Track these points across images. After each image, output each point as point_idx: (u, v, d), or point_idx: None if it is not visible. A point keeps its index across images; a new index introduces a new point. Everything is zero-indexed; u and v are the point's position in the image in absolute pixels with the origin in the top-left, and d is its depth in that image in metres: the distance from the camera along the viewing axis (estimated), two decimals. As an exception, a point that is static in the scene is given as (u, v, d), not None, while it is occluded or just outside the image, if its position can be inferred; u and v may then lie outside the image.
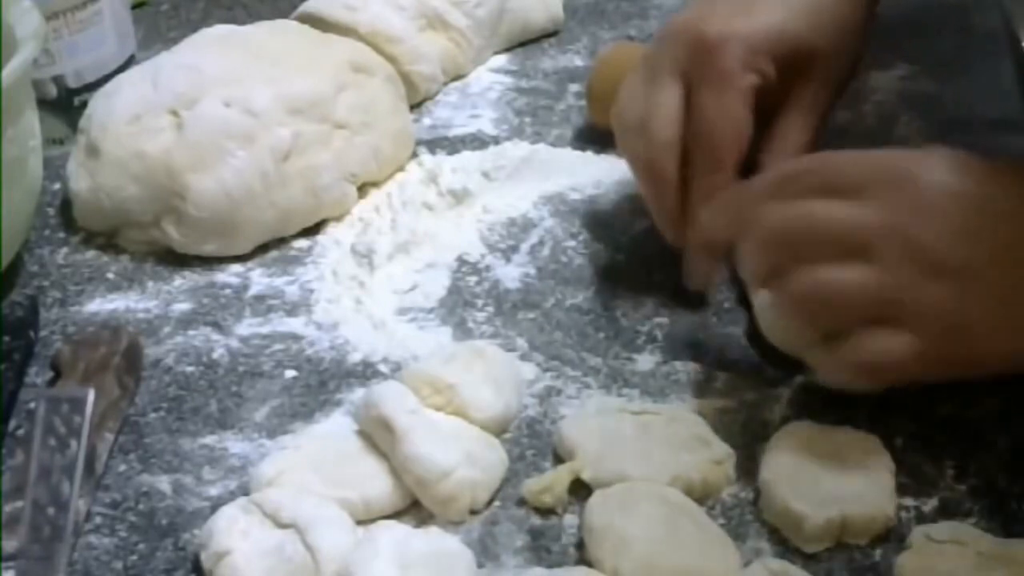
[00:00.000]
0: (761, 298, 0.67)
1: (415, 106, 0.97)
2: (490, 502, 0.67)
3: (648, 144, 0.76)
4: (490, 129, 0.95)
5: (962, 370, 0.65)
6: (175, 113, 0.84)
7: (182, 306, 0.81)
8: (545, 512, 0.66)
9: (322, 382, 0.75)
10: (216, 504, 0.67)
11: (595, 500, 0.64)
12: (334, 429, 0.71)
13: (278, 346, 0.78)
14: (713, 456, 0.67)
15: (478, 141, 0.93)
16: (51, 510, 0.65)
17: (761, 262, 0.67)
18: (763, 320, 0.68)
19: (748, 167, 0.76)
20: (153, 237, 0.85)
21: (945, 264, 0.62)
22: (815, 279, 0.65)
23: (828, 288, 0.64)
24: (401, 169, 0.91)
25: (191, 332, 0.79)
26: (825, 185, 0.66)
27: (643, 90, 0.77)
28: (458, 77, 1.00)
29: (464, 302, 0.80)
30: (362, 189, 0.88)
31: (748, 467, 0.68)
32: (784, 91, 0.78)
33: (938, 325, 0.63)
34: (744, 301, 0.73)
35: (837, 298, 0.64)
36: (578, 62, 1.02)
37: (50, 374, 0.76)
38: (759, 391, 0.72)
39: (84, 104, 0.90)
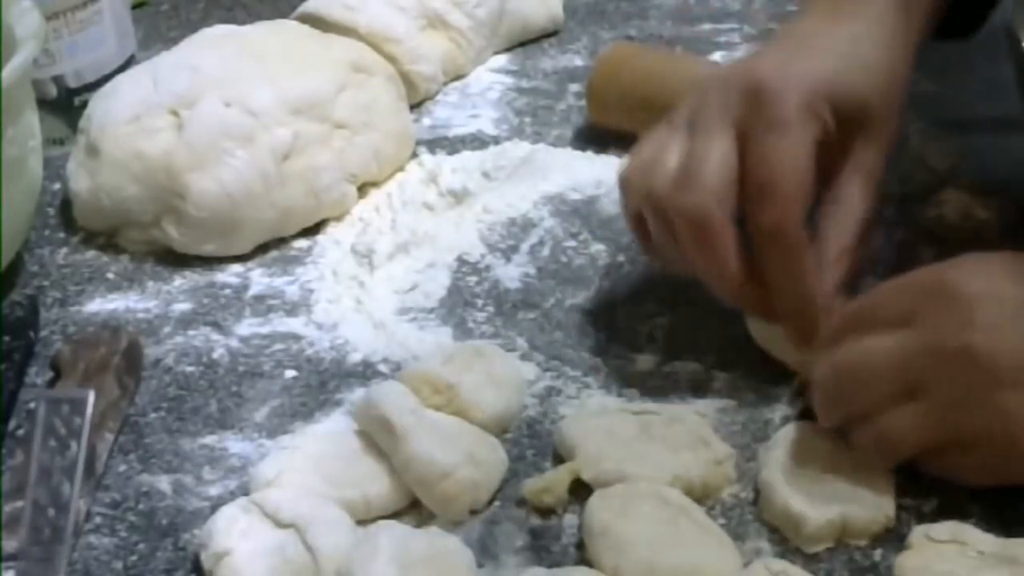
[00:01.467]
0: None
1: (415, 106, 0.97)
2: (490, 502, 0.67)
3: (697, 194, 0.69)
4: (490, 129, 0.95)
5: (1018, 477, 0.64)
6: (175, 113, 0.84)
7: (182, 306, 0.81)
8: (545, 512, 0.66)
9: (322, 382, 0.75)
10: (216, 504, 0.67)
11: (595, 500, 0.64)
12: (334, 429, 0.71)
13: (278, 346, 0.78)
14: (713, 456, 0.67)
15: (478, 141, 0.93)
16: (51, 511, 0.65)
17: (829, 414, 0.67)
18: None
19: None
20: (153, 237, 0.85)
21: (1001, 371, 0.61)
22: (877, 431, 0.64)
23: (891, 438, 0.64)
24: (401, 169, 0.91)
25: (191, 332, 0.79)
26: (876, 321, 0.65)
27: (680, 141, 0.71)
28: (458, 77, 1.00)
29: (464, 302, 0.80)
30: (362, 189, 0.88)
31: (748, 467, 0.68)
32: (838, 149, 0.73)
33: (999, 437, 0.62)
34: None
35: (902, 445, 0.64)
36: (578, 62, 1.02)
37: (50, 374, 0.76)
38: (759, 391, 0.72)
39: (84, 104, 0.90)
